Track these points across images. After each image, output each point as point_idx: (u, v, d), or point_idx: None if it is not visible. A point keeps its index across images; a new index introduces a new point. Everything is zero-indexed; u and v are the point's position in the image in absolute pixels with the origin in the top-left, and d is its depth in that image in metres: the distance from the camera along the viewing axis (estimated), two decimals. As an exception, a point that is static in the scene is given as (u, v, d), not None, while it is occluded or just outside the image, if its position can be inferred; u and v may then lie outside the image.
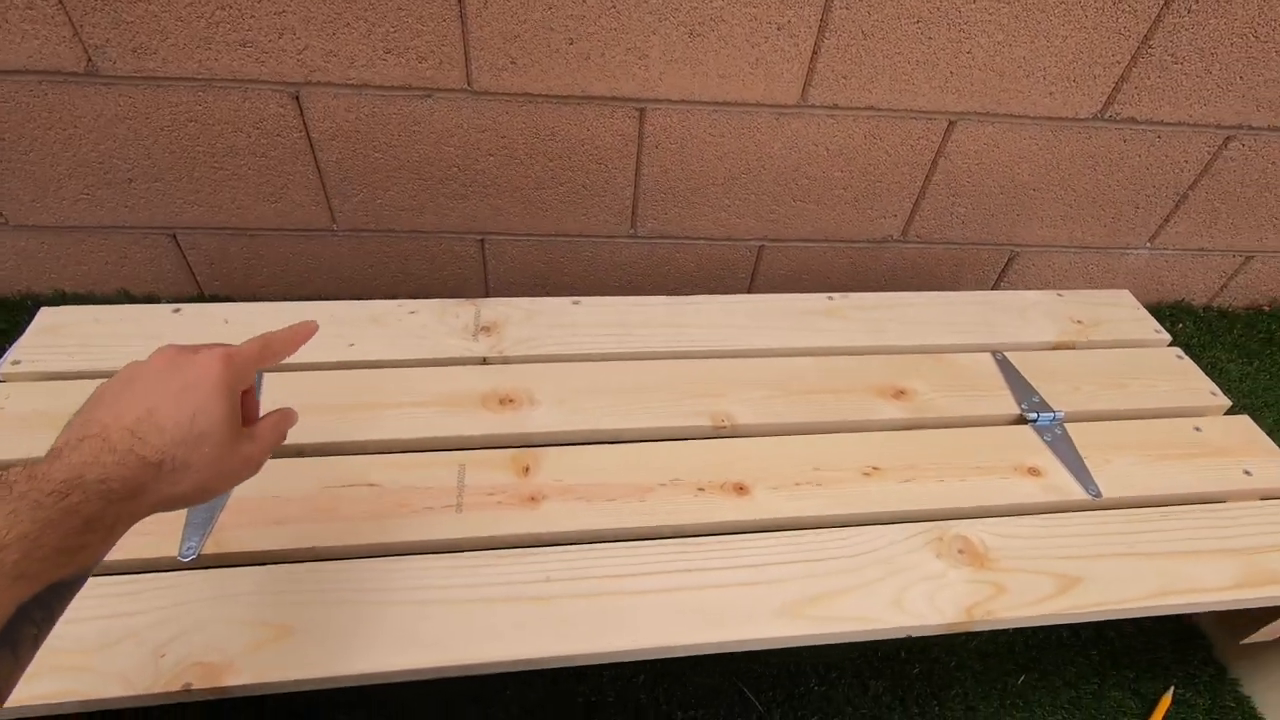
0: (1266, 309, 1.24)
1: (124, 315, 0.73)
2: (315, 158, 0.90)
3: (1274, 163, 1.02)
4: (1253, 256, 1.16)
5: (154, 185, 0.91)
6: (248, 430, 0.42)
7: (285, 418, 0.45)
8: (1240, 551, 0.62)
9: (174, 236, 0.97)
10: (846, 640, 0.55)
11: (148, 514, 0.37)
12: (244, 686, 0.48)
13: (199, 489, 0.39)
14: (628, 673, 0.69)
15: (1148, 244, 1.12)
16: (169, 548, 0.54)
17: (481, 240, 1.01)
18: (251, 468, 0.42)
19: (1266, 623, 0.65)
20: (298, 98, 0.84)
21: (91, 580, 0.51)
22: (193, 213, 0.94)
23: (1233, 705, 0.72)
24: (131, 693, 0.47)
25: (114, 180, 0.90)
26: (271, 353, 0.45)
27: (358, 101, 0.85)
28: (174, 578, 0.53)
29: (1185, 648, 0.76)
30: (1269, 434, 0.75)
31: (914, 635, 0.56)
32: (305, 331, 0.47)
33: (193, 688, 0.47)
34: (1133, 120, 0.95)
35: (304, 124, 0.86)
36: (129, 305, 0.74)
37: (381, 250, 1.01)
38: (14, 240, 0.94)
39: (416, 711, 0.66)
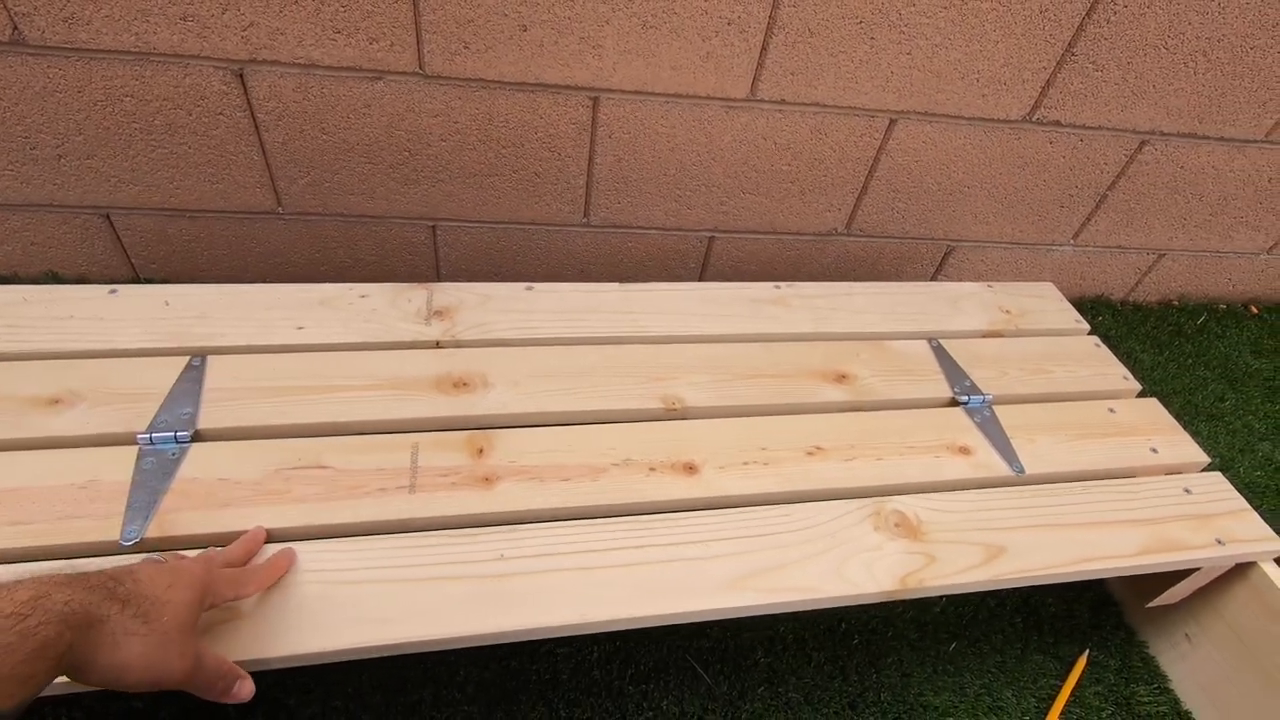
0: (1176, 304, 1.33)
1: (55, 296, 0.70)
2: (260, 138, 0.87)
3: (1182, 167, 1.10)
4: (1164, 254, 1.25)
5: (86, 163, 0.87)
6: (202, 645, 0.43)
7: (235, 675, 0.46)
8: (1145, 522, 0.68)
9: (107, 217, 0.93)
10: (791, 610, 0.57)
11: (87, 668, 0.37)
12: (192, 668, 0.48)
13: (139, 660, 0.38)
14: (581, 650, 0.71)
15: (1071, 241, 1.19)
16: (110, 531, 0.53)
17: (433, 226, 1.01)
18: (184, 670, 0.41)
19: (1167, 587, 0.71)
20: (242, 76, 0.82)
21: (31, 566, 0.50)
22: (128, 192, 0.90)
23: (1140, 665, 0.78)
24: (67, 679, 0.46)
25: (42, 156, 0.86)
26: (252, 582, 0.49)
27: (305, 82, 0.83)
28: (117, 561, 0.52)
29: (1100, 614, 0.82)
30: (1175, 416, 0.81)
31: (854, 604, 0.59)
32: (285, 562, 0.52)
33: (138, 670, 0.47)
34: (1058, 123, 1.01)
35: (248, 103, 0.84)
36: (61, 285, 0.71)
37: (329, 235, 0.99)
38: (-71, 217, 0.89)
39: (370, 693, 0.65)
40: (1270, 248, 1.27)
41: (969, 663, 0.75)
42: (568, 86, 0.88)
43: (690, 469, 0.65)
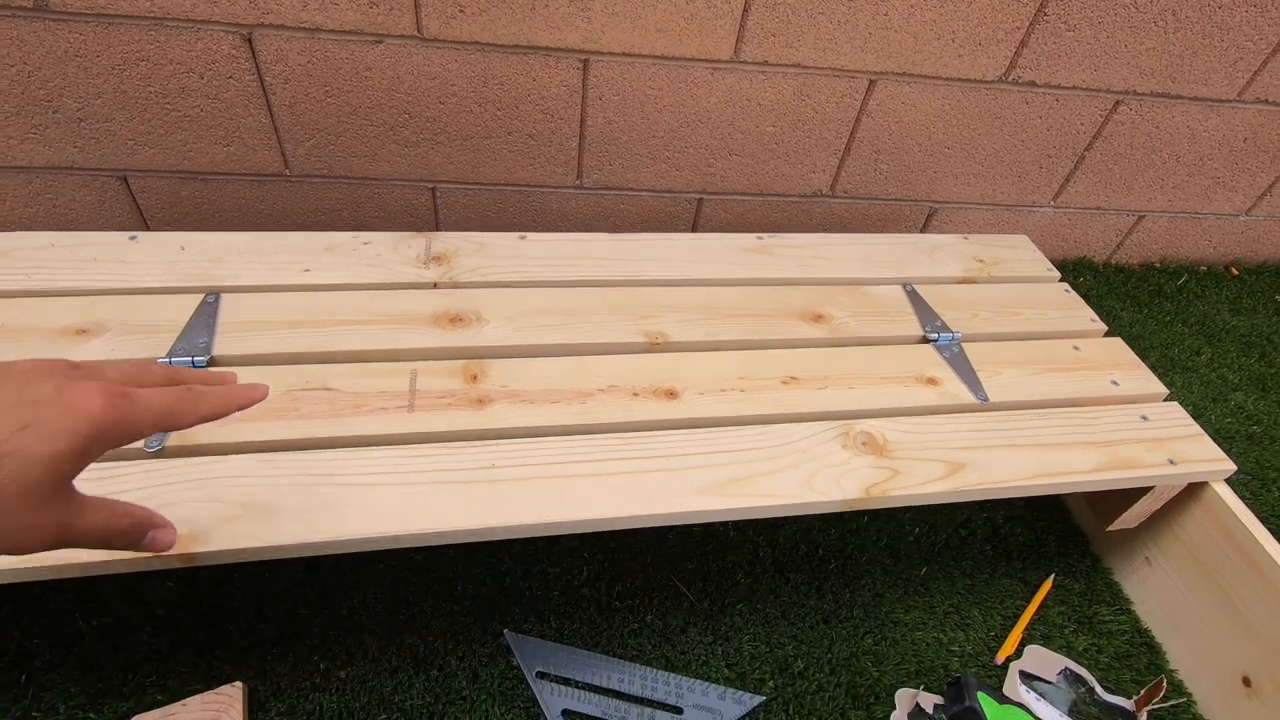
0: (1157, 265, 1.36)
1: (80, 240, 0.75)
2: (268, 101, 0.92)
3: (1158, 127, 1.13)
4: (1144, 216, 1.28)
5: (104, 126, 0.92)
6: (79, 498, 0.33)
7: (146, 525, 0.37)
8: (1102, 444, 0.72)
9: (124, 179, 0.98)
10: (763, 515, 0.62)
11: None
12: (211, 554, 0.52)
13: None
14: (570, 571, 0.75)
15: (1052, 202, 1.23)
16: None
17: (433, 189, 1.05)
18: (44, 540, 0.32)
19: (1126, 508, 0.75)
20: (250, 40, 0.86)
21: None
22: (144, 155, 0.96)
23: (1103, 588, 0.82)
24: (105, 558, 0.51)
25: (63, 120, 0.91)
26: (192, 412, 0.37)
27: (310, 45, 0.88)
28: (144, 464, 0.57)
29: (1066, 544, 0.86)
30: (1151, 369, 0.84)
31: (821, 511, 0.63)
32: (248, 395, 0.41)
33: (164, 554, 0.52)
34: (1033, 84, 1.05)
35: (257, 67, 0.89)
36: (85, 232, 0.76)
37: (334, 196, 1.04)
38: (-42, 180, 0.95)
39: (374, 604, 0.70)
40: (1248, 209, 1.30)
41: (939, 585, 0.80)
42: (559, 49, 0.92)
43: (671, 395, 0.69)
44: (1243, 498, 0.73)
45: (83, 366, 0.34)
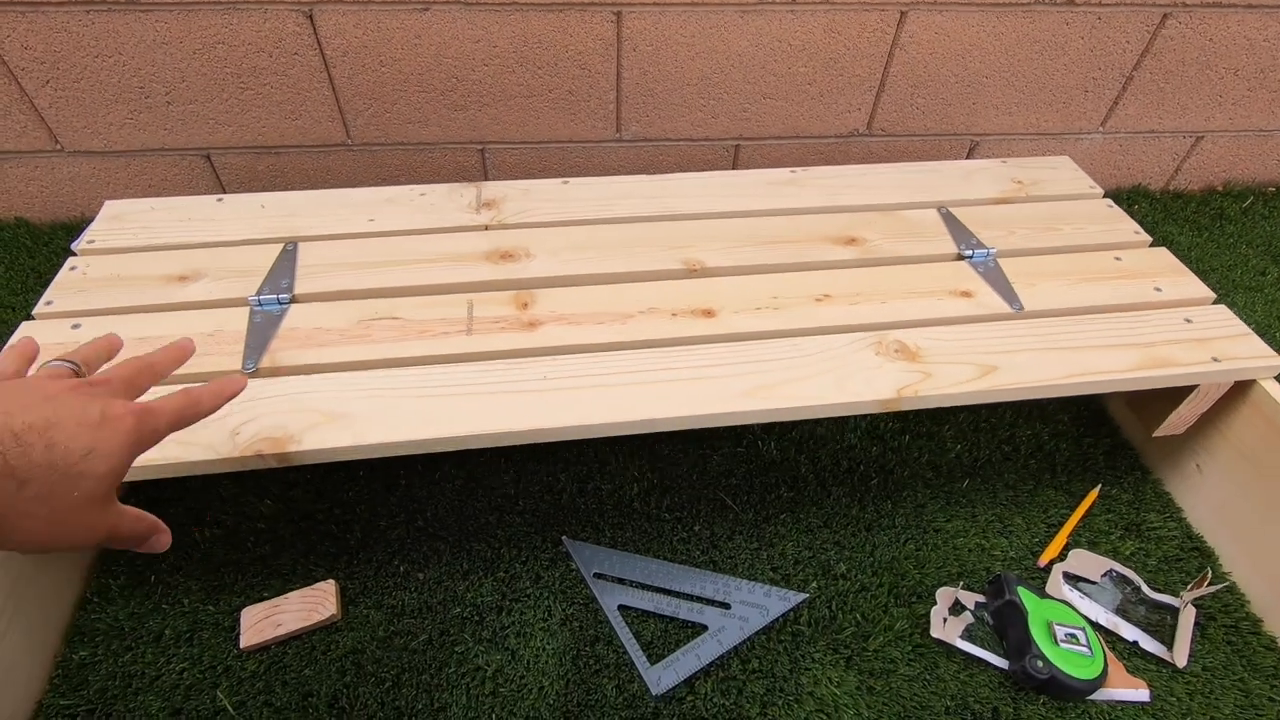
0: (1220, 189, 1.31)
1: (176, 205, 0.84)
2: (329, 74, 1.00)
3: (1212, 40, 1.09)
4: (1202, 137, 1.24)
5: (189, 108, 1.02)
6: (119, 505, 0.39)
7: (154, 529, 0.42)
8: (1142, 345, 0.72)
9: (208, 157, 1.08)
10: (798, 416, 0.65)
11: None
12: (303, 453, 0.60)
13: (34, 540, 0.35)
14: (622, 487, 0.81)
15: (1100, 128, 1.20)
16: (234, 364, 0.66)
17: (482, 149, 1.12)
18: (92, 541, 0.38)
19: (1170, 413, 0.75)
20: (311, 16, 0.94)
21: (176, 387, 0.63)
22: (224, 134, 1.05)
23: (1152, 497, 0.82)
24: (216, 457, 0.59)
25: (154, 104, 1.01)
26: (196, 412, 0.44)
27: (364, 17, 0.95)
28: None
29: (1114, 458, 0.86)
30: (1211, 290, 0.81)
31: (854, 413, 0.66)
32: (232, 387, 0.47)
33: (263, 454, 0.59)
34: (1072, 2, 1.03)
35: (318, 42, 0.97)
36: (180, 198, 0.85)
37: (392, 163, 1.12)
38: (69, 165, 1.06)
39: (446, 517, 0.77)
40: (1320, 122, 1.24)
41: (981, 497, 0.81)
42: (593, 3, 0.96)
43: (708, 314, 0.74)
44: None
45: (96, 382, 0.41)
